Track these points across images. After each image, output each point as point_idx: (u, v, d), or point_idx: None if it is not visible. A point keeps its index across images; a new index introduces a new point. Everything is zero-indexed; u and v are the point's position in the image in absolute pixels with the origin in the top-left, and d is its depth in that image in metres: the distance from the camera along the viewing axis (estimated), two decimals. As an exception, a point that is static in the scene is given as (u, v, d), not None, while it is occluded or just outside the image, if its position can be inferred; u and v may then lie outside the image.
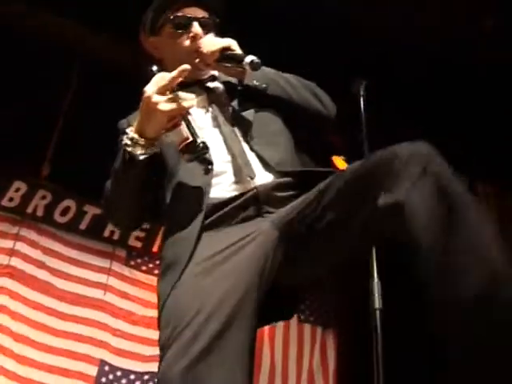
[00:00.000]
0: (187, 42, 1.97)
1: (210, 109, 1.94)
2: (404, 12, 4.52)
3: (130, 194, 1.82)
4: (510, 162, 4.92)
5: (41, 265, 4.60)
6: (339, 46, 4.40)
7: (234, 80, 2.01)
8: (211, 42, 1.92)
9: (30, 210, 4.71)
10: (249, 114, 1.93)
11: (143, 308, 4.77)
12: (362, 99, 2.63)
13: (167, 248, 1.75)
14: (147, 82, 1.71)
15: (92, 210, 4.86)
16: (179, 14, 1.99)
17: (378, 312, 2.22)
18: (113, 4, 4.28)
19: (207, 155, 1.75)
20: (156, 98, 1.66)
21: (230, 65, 1.87)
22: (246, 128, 1.89)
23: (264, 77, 1.95)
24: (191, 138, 1.66)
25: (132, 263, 4.92)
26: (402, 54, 4.50)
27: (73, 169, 4.64)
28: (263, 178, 1.78)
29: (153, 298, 4.76)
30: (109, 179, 1.87)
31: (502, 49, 4.60)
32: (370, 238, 1.71)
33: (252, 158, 1.82)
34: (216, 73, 2.05)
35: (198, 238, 1.66)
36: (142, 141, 1.70)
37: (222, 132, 1.87)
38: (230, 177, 1.79)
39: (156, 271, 4.88)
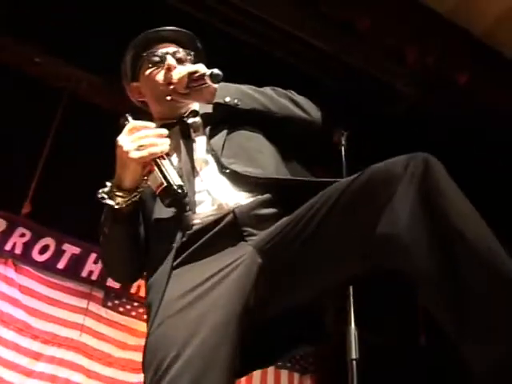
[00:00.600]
0: (162, 74, 1.99)
1: (187, 144, 1.90)
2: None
3: (120, 247, 1.77)
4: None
5: (17, 303, 4.54)
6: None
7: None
8: (179, 70, 1.92)
9: (8, 247, 4.66)
10: (221, 136, 1.87)
11: (119, 350, 4.70)
12: (343, 148, 2.68)
13: (147, 291, 1.69)
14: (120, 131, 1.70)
15: (71, 250, 4.83)
16: (152, 51, 2.03)
17: (354, 362, 2.16)
18: (101, 46, 4.33)
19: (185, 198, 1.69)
20: (127, 146, 1.65)
21: (197, 86, 1.87)
22: (219, 152, 1.81)
23: (236, 93, 1.92)
24: (165, 183, 1.62)
25: (109, 304, 4.87)
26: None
27: (53, 207, 4.64)
28: (240, 199, 1.69)
29: (129, 339, 4.74)
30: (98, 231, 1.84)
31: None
32: (366, 262, 1.50)
33: (225, 181, 1.74)
34: (197, 107, 2.04)
35: (169, 278, 1.58)
36: (119, 192, 1.68)
37: (194, 163, 1.82)
38: (205, 206, 1.71)
39: (133, 313, 4.85)
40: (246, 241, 1.61)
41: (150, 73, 2.02)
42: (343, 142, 2.67)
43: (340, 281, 1.61)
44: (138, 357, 4.38)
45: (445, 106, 4.87)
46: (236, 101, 1.89)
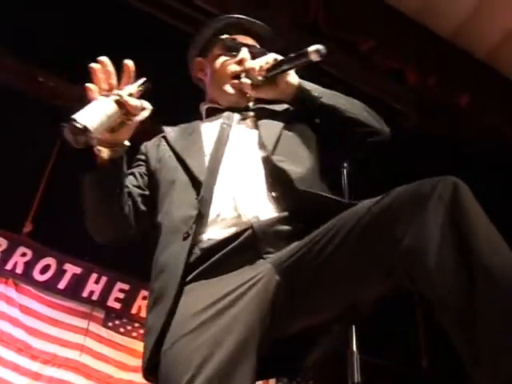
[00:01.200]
0: (233, 66, 2.01)
1: (225, 134, 1.85)
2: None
3: (99, 201, 1.74)
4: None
5: (17, 323, 4.52)
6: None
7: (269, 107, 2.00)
8: (261, 59, 1.92)
9: (9, 266, 4.65)
10: (274, 133, 1.83)
11: (120, 371, 4.67)
12: (344, 170, 2.66)
13: (148, 309, 1.63)
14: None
15: (72, 269, 4.82)
16: (230, 38, 2.06)
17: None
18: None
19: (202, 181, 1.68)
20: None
21: (288, 66, 1.84)
22: (269, 148, 1.76)
23: (318, 87, 1.92)
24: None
25: (110, 324, 4.85)
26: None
27: (55, 227, 4.64)
28: (263, 211, 1.62)
29: (130, 360, 4.71)
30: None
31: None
32: (387, 282, 1.45)
33: (258, 185, 1.69)
34: (250, 104, 2.04)
35: (178, 294, 1.52)
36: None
37: (222, 158, 1.77)
38: (226, 211, 1.64)
39: (134, 334, 4.82)
40: (264, 258, 1.55)
41: (221, 57, 2.04)
42: (344, 164, 2.66)
43: (361, 301, 1.54)
44: (138, 378, 4.34)
45: (445, 127, 4.89)
46: (317, 94, 1.89)
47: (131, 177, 1.89)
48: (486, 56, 4.77)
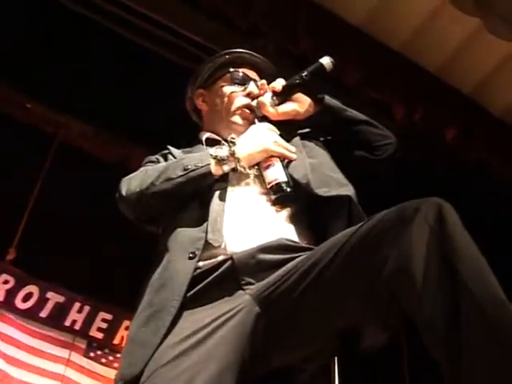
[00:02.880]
0: (242, 98, 2.04)
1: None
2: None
3: (171, 196, 1.78)
4: None
5: (-3, 352, 4.46)
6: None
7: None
8: (272, 84, 1.98)
9: (-10, 294, 4.60)
10: (302, 163, 1.86)
11: (100, 402, 4.62)
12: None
13: (139, 322, 1.59)
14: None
15: (55, 298, 4.76)
16: (239, 70, 2.09)
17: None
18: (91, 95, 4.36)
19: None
20: (270, 135, 1.86)
21: (304, 79, 1.92)
22: (305, 180, 1.78)
23: (339, 102, 1.97)
24: (281, 179, 1.76)
25: (91, 355, 4.78)
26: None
27: (39, 255, 4.60)
28: (246, 242, 1.62)
29: (110, 391, 4.65)
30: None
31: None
32: (369, 306, 1.42)
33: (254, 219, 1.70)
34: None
35: (175, 318, 1.51)
36: (236, 161, 1.77)
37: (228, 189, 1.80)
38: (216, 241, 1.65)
39: (116, 364, 4.75)
40: (244, 289, 1.55)
41: (228, 88, 2.07)
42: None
43: (345, 332, 1.52)
44: (118, 410, 4.28)
45: (431, 161, 4.91)
46: (342, 106, 1.95)
47: None
48: (473, 91, 4.82)
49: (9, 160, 4.56)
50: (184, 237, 1.67)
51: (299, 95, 1.95)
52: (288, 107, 1.94)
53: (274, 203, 1.76)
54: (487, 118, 4.90)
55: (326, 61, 1.92)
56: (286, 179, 1.75)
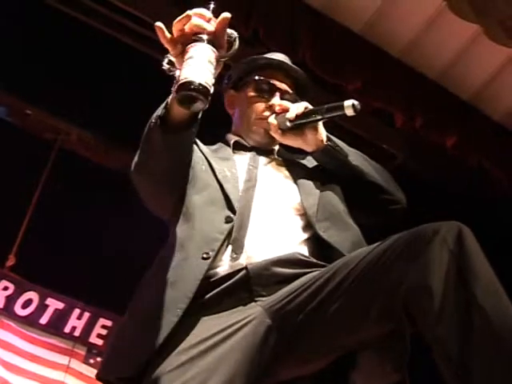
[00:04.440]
0: (264, 110, 1.97)
1: (251, 172, 1.84)
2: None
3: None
4: None
5: (-4, 359, 4.46)
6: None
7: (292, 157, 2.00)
8: (292, 105, 1.89)
9: (-11, 300, 4.60)
10: (312, 190, 1.81)
11: (99, 409, 4.59)
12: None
13: (135, 318, 1.57)
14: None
15: (54, 304, 4.77)
16: (266, 79, 2.01)
17: None
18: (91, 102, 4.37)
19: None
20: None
21: (319, 117, 1.82)
22: (311, 211, 1.72)
23: (344, 146, 1.90)
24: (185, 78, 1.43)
25: (91, 361, 4.77)
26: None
27: (38, 261, 4.61)
28: (263, 253, 1.59)
29: (110, 399, 4.63)
30: None
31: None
32: (383, 324, 1.39)
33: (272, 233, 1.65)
34: (276, 148, 2.03)
35: (183, 317, 1.47)
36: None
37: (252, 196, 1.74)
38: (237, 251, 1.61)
39: (115, 371, 4.75)
40: (256, 301, 1.52)
41: (253, 97, 2.01)
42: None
43: (355, 345, 1.47)
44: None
45: (432, 168, 4.92)
46: (345, 152, 1.88)
47: None
48: (473, 97, 4.83)
49: (8, 166, 4.57)
50: (200, 234, 1.62)
51: (312, 128, 1.86)
52: (293, 137, 1.89)
53: (292, 212, 1.74)
54: (487, 123, 4.90)
55: (348, 104, 1.73)
56: (198, 80, 1.42)
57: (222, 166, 1.82)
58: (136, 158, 1.74)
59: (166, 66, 1.57)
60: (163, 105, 1.61)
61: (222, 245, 1.59)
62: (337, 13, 4.40)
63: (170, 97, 1.57)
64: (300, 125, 1.85)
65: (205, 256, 1.56)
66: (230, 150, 1.96)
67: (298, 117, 1.85)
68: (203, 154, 1.86)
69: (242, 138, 2.02)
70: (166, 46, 1.54)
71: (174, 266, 1.59)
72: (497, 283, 1.23)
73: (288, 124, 1.86)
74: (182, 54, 1.51)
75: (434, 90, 4.70)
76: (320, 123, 1.87)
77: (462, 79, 4.73)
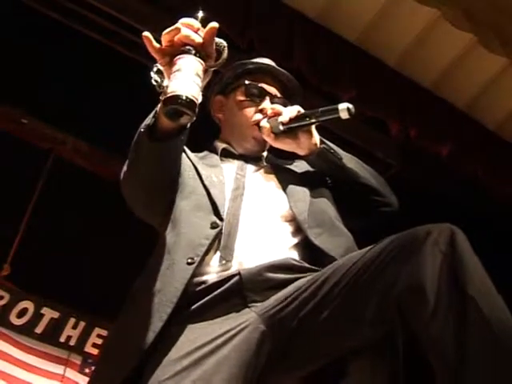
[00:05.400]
0: (254, 113, 1.98)
1: (239, 180, 1.85)
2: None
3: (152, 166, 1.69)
4: None
5: (-10, 368, 4.44)
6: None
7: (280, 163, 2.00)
8: (286, 109, 1.89)
9: (-16, 310, 4.59)
10: (303, 196, 1.81)
11: (95, 419, 4.57)
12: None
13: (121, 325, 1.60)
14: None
15: (50, 314, 4.75)
16: (256, 83, 2.02)
17: None
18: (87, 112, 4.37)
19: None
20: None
21: (313, 120, 1.81)
22: (302, 217, 1.72)
23: (338, 149, 1.91)
24: (172, 91, 1.45)
25: (86, 371, 4.75)
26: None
27: (34, 270, 4.59)
28: (255, 259, 1.59)
29: (106, 409, 4.61)
30: None
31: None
32: (378, 330, 1.40)
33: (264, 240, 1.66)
34: (264, 154, 2.03)
35: (157, 337, 1.46)
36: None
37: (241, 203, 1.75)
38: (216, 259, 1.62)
39: (111, 380, 4.73)
40: (250, 307, 1.52)
41: (243, 101, 2.02)
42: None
43: (349, 349, 1.47)
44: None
45: (427, 176, 4.92)
46: (339, 155, 1.89)
47: None
48: (468, 106, 4.84)
49: (4, 175, 4.56)
50: (185, 240, 1.62)
51: (306, 132, 1.87)
52: (287, 141, 1.90)
53: (281, 218, 1.74)
54: (482, 132, 4.92)
55: (342, 107, 1.74)
56: (185, 94, 1.44)
57: (209, 172, 1.83)
58: (125, 167, 1.76)
59: (154, 74, 1.58)
60: (152, 114, 1.62)
61: (208, 250, 1.60)
62: (332, 22, 4.41)
63: (158, 106, 1.59)
64: (293, 128, 1.85)
65: (189, 261, 1.56)
66: (217, 157, 1.96)
67: (291, 120, 1.84)
68: (191, 160, 1.87)
69: (231, 144, 2.02)
70: (154, 55, 1.56)
71: (161, 273, 1.59)
72: (489, 283, 1.25)
73: (281, 128, 1.86)
74: (169, 64, 1.52)
75: (428, 99, 4.71)
76: (313, 127, 1.87)
77: (456, 88, 4.74)
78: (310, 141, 1.88)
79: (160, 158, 1.67)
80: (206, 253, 1.60)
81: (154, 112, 1.62)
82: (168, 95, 1.45)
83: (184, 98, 1.42)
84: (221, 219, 1.66)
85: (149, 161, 1.67)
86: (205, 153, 2.00)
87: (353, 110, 1.76)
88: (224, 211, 1.69)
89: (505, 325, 1.17)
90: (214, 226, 1.65)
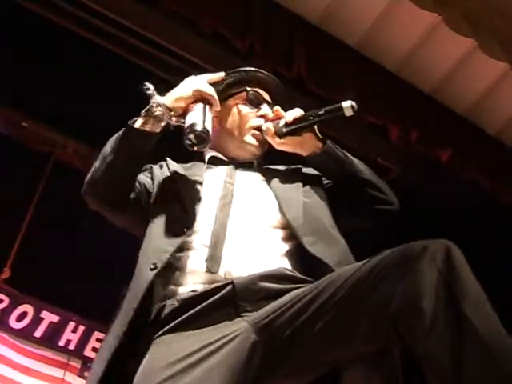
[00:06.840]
0: (256, 119, 2.01)
1: (227, 188, 1.84)
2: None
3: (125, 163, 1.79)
4: None
5: (-10, 372, 4.44)
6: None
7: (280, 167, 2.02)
8: (289, 112, 1.92)
9: (-16, 313, 4.59)
10: (296, 201, 1.81)
11: (94, 423, 4.56)
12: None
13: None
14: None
15: (49, 317, 4.76)
16: (255, 91, 2.06)
17: None
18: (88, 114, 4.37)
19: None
20: (201, 82, 1.83)
21: (317, 119, 1.84)
22: (296, 223, 1.72)
23: (340, 148, 1.92)
24: (196, 123, 1.70)
25: (86, 375, 4.75)
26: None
27: (33, 274, 4.59)
28: (247, 268, 1.58)
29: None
30: None
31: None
32: (369, 343, 1.38)
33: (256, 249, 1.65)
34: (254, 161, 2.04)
35: (128, 328, 1.49)
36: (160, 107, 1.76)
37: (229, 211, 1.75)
38: (201, 263, 1.61)
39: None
40: (242, 316, 1.50)
41: (243, 107, 2.04)
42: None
43: (343, 360, 1.46)
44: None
45: (427, 181, 4.92)
46: (342, 153, 1.90)
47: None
48: (468, 111, 4.84)
49: (4, 178, 4.56)
50: (152, 248, 1.65)
51: (309, 132, 1.88)
52: (291, 142, 1.91)
53: (271, 225, 1.74)
54: (482, 137, 4.92)
55: (346, 104, 1.79)
56: (201, 124, 1.70)
57: (187, 182, 1.84)
58: (98, 163, 1.83)
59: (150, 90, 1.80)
60: (140, 118, 1.78)
61: (171, 257, 1.61)
62: (333, 27, 4.41)
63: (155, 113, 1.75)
64: (297, 129, 1.87)
65: (152, 267, 1.58)
66: (203, 166, 1.97)
67: (295, 120, 1.87)
68: (169, 170, 1.89)
69: (221, 151, 2.03)
70: (209, 93, 1.81)
71: (133, 279, 1.64)
72: (484, 299, 1.24)
73: (284, 130, 1.88)
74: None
75: (429, 104, 4.71)
76: (315, 128, 1.89)
77: (457, 93, 4.74)
78: (314, 141, 1.90)
79: (127, 152, 1.78)
80: (172, 259, 1.62)
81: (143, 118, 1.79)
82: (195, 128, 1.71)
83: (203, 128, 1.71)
84: (190, 227, 1.67)
85: (118, 156, 1.77)
86: (191, 163, 2.00)
87: (356, 107, 1.80)
88: (195, 220, 1.69)
89: (501, 344, 1.17)
90: (180, 233, 1.65)
